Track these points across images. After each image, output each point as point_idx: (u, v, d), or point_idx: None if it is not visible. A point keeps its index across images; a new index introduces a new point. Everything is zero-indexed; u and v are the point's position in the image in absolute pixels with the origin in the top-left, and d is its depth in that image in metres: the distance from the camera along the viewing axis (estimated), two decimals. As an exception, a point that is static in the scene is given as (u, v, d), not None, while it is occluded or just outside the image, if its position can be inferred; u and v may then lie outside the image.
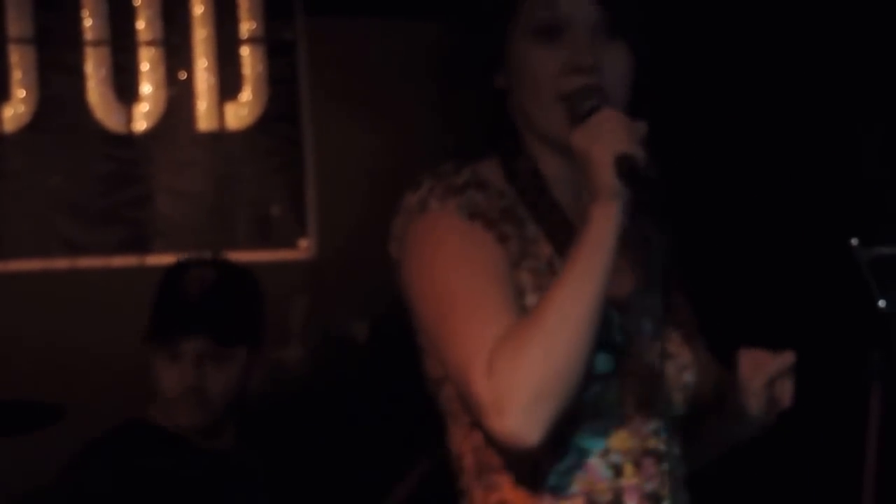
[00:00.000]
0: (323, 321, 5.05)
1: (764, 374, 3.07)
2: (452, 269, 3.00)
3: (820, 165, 5.60)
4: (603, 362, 2.92)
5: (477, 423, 2.95)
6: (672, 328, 3.03)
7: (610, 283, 2.87)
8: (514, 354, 2.85)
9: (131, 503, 4.45)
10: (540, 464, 2.95)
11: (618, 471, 2.99)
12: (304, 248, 5.50)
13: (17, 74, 5.38)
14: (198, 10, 5.56)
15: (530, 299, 2.94)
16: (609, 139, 2.81)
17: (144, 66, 5.55)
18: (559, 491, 2.94)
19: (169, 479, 4.47)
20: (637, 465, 2.99)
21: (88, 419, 4.50)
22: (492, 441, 2.94)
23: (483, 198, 2.99)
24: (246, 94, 5.58)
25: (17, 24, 5.35)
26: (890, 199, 5.40)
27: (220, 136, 5.54)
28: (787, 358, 3.03)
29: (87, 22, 5.43)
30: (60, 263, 5.44)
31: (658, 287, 3.04)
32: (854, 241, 3.65)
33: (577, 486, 2.95)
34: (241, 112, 5.56)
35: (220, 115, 5.55)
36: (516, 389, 2.85)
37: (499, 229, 2.95)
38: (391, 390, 3.91)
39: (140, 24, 5.52)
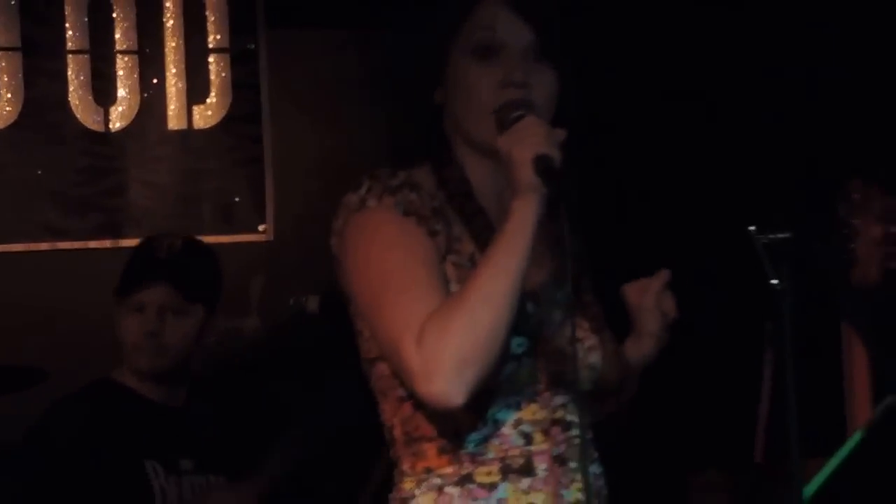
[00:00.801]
0: (279, 294, 5.14)
1: (650, 292, 3.19)
2: (387, 254, 3.06)
3: (723, 165, 5.68)
4: (517, 345, 2.98)
5: (407, 394, 3.05)
6: (581, 318, 3.10)
7: (526, 277, 2.93)
8: (441, 327, 2.89)
9: (96, 454, 4.53)
10: (460, 433, 3.02)
11: (528, 439, 3.05)
12: (263, 231, 5.61)
13: (4, 78, 5.46)
14: (169, 22, 5.63)
15: (453, 289, 3.01)
16: (530, 142, 2.88)
17: (120, 72, 5.62)
18: (477, 457, 3.02)
19: (129, 432, 4.58)
20: (546, 433, 3.05)
21: (67, 380, 4.68)
22: (421, 406, 3.01)
23: (416, 198, 3.04)
24: (212, 98, 5.64)
25: (6, 35, 5.43)
26: (781, 191, 5.38)
27: (188, 135, 5.61)
28: (663, 275, 3.18)
29: (69, 32, 5.51)
30: (43, 246, 5.54)
31: (569, 281, 3.01)
32: (752, 229, 3.41)
33: (493, 452, 3.02)
34: (207, 113, 5.62)
35: (189, 115, 5.61)
36: (443, 358, 2.90)
37: (429, 226, 3.02)
38: (339, 353, 3.52)
39: (117, 35, 5.59)
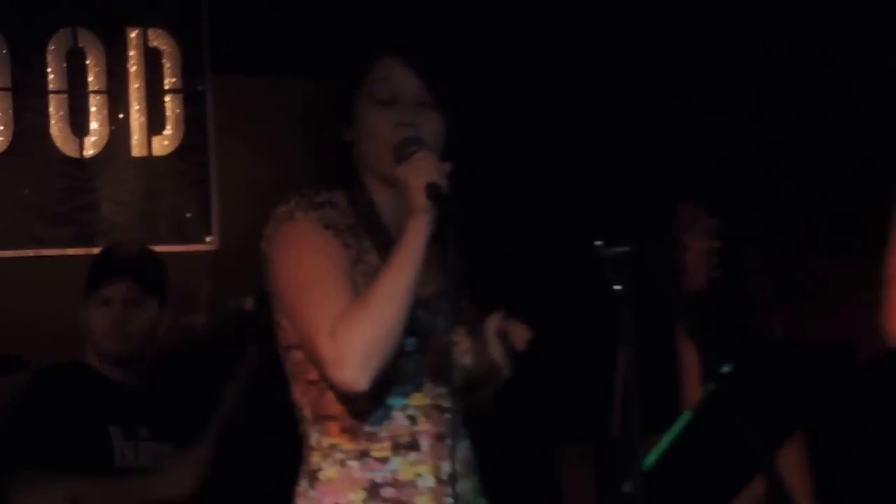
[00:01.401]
0: (222, 295, 5.27)
1: (491, 331, 3.38)
2: (309, 258, 3.24)
3: (578, 189, 5.92)
4: (409, 344, 3.19)
5: (317, 378, 3.29)
6: (460, 324, 3.29)
7: (419, 288, 3.14)
8: (350, 322, 3.08)
9: (68, 415, 4.78)
10: (359, 415, 3.23)
11: (414, 420, 3.26)
12: (210, 243, 5.83)
13: (-1, 114, 5.54)
14: (132, 68, 5.83)
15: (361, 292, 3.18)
16: (421, 172, 3.12)
17: (93, 109, 5.83)
18: (372, 435, 3.25)
19: (94, 402, 4.82)
20: (427, 416, 3.25)
21: (43, 364, 4.89)
22: (329, 389, 3.23)
23: (335, 214, 3.23)
24: (168, 130, 5.89)
25: (-1, 77, 5.52)
26: (625, 212, 5.59)
27: (148, 161, 5.85)
28: (493, 320, 3.35)
29: (51, 76, 5.73)
30: (29, 253, 5.75)
31: (453, 293, 3.27)
32: (598, 243, 3.67)
33: (385, 432, 3.25)
34: (164, 143, 5.85)
35: (149, 145, 5.84)
36: (352, 349, 3.10)
37: (343, 238, 3.21)
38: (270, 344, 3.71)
39: (90, 78, 5.81)
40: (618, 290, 3.39)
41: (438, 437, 3.30)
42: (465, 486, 3.39)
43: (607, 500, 5.05)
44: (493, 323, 3.37)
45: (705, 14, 6.36)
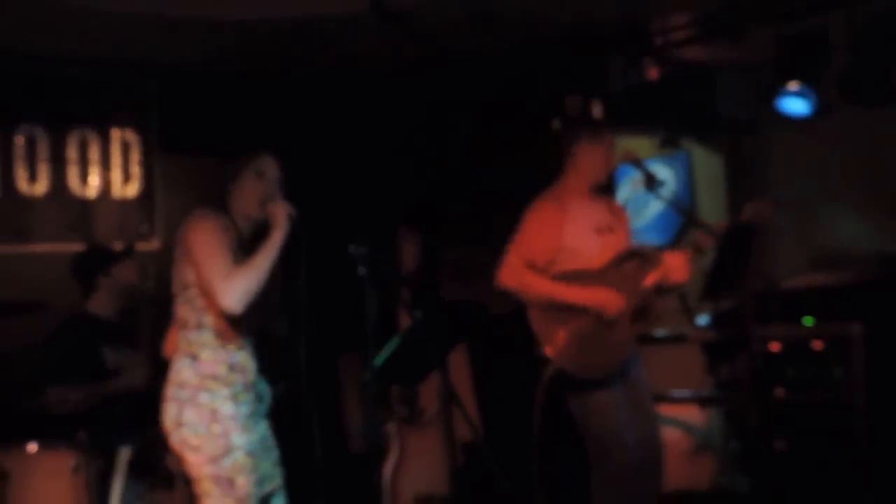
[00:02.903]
0: (165, 277, 4.53)
1: None
2: (215, 240, 3.89)
3: (343, 206, 6.53)
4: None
5: (206, 305, 3.88)
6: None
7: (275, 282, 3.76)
8: (237, 277, 3.83)
9: (83, 338, 5.44)
10: (226, 326, 3.95)
11: (250, 358, 4.07)
12: (154, 243, 6.74)
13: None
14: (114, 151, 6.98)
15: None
16: (284, 209, 3.95)
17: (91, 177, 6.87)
18: (233, 338, 4.01)
19: (97, 332, 5.48)
20: (251, 333, 4.03)
21: (58, 310, 5.65)
22: (222, 314, 3.88)
23: (228, 224, 3.99)
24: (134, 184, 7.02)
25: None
26: (368, 226, 5.67)
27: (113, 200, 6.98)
28: None
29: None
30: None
31: (303, 284, 3.95)
32: (352, 246, 4.20)
33: (238, 336, 4.03)
34: (129, 188, 7.02)
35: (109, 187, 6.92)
36: (236, 292, 3.84)
37: (231, 238, 3.92)
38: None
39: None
40: (362, 273, 4.18)
41: (251, 345, 4.10)
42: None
43: (361, 384, 5.92)
44: None
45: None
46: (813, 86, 6.81)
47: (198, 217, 4.01)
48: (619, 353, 5.51)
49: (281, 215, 4.00)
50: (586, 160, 5.55)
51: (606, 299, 5.39)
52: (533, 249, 5.48)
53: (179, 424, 3.99)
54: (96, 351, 5.52)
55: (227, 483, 3.99)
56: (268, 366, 4.40)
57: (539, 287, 5.44)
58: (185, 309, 4.05)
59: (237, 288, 3.90)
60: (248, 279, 3.92)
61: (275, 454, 4.25)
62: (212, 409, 3.98)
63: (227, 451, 4.00)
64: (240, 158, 4.15)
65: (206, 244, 3.95)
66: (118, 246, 5.94)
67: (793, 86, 6.81)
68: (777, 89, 6.87)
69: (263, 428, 4.23)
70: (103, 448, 5.25)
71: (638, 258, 5.56)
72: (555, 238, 5.49)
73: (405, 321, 5.96)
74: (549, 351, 5.42)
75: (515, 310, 5.59)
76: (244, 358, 4.15)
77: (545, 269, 5.48)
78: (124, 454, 5.25)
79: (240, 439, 4.03)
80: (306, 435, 4.01)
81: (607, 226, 5.65)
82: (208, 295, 3.97)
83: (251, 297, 3.94)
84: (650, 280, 5.48)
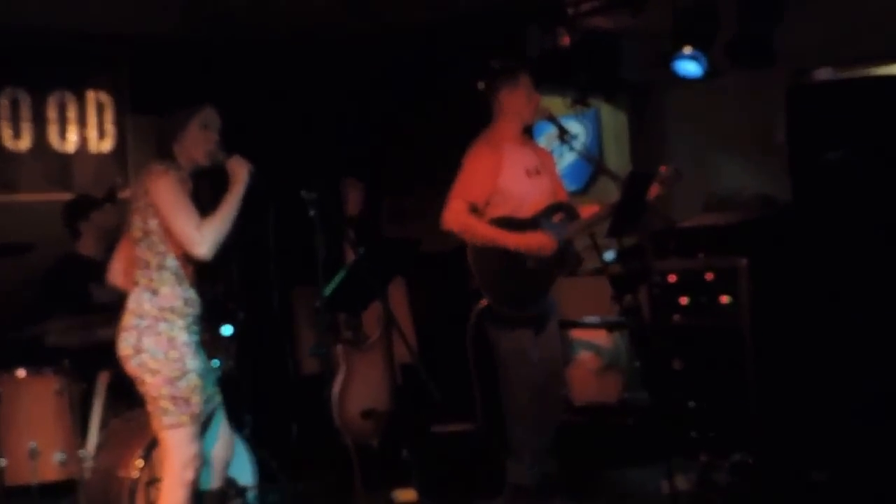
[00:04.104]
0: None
1: None
2: (178, 194, 3.95)
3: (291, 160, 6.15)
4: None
5: (166, 250, 3.97)
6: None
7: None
8: (207, 228, 3.92)
9: (71, 276, 5.55)
10: (182, 285, 4.10)
11: (197, 295, 4.21)
12: (128, 192, 5.84)
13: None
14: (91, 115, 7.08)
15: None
16: (245, 165, 4.07)
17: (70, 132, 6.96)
18: (189, 300, 4.13)
19: (86, 270, 5.52)
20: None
21: (43, 251, 5.60)
22: (183, 256, 3.98)
23: (184, 176, 4.07)
24: (107, 136, 7.02)
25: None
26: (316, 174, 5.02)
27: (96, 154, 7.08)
28: None
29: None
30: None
31: (269, 239, 4.09)
32: (303, 192, 4.22)
33: (193, 299, 4.21)
34: (104, 143, 7.06)
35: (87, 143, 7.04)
36: (209, 240, 3.93)
37: (188, 189, 4.01)
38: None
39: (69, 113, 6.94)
40: (312, 215, 4.22)
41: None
42: None
43: (313, 310, 6.31)
44: None
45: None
46: (704, 51, 6.89)
47: (157, 172, 4.04)
48: (541, 289, 5.46)
49: (241, 170, 4.06)
50: (511, 104, 5.50)
51: (543, 243, 5.37)
52: (474, 191, 5.43)
53: (139, 351, 4.08)
54: (84, 287, 5.59)
55: (184, 402, 4.11)
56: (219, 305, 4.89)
57: (482, 231, 5.40)
58: (147, 252, 4.10)
59: (209, 237, 3.97)
60: (218, 229, 3.99)
61: (214, 376, 4.35)
62: (169, 337, 4.08)
63: (183, 373, 4.11)
64: (184, 112, 4.16)
65: (171, 198, 3.98)
66: (100, 194, 6.04)
67: (687, 51, 6.87)
68: (673, 54, 6.92)
69: (203, 354, 4.37)
70: (85, 373, 5.30)
71: (563, 210, 5.55)
72: (492, 179, 5.43)
73: (350, 256, 5.82)
74: (479, 285, 5.39)
75: (447, 248, 5.62)
76: (194, 294, 4.23)
77: (483, 210, 5.44)
78: (103, 378, 5.32)
79: (192, 363, 4.15)
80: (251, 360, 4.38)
81: (535, 168, 5.59)
82: (173, 241, 4.02)
83: (218, 245, 4.01)
84: (572, 229, 5.52)
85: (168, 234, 4.04)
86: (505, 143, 5.59)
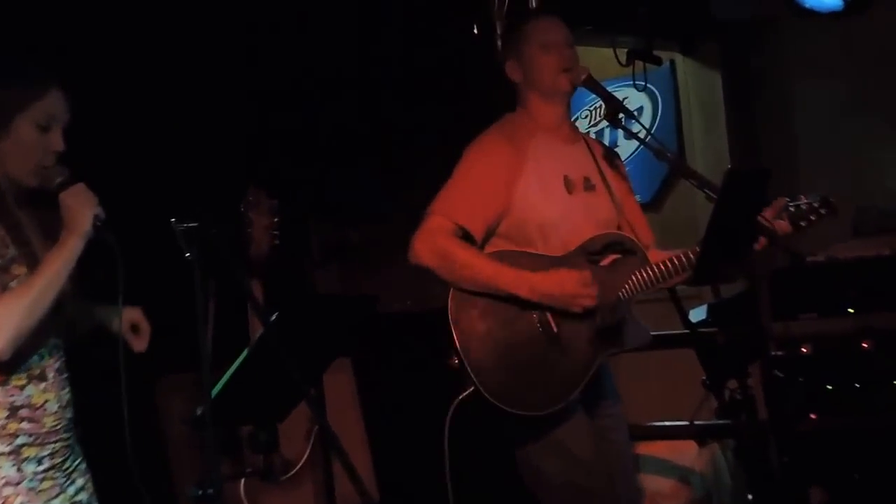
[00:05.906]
0: None
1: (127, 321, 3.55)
2: None
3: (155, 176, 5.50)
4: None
5: None
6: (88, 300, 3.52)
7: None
8: (6, 315, 3.14)
9: None
10: (2, 363, 3.26)
11: (42, 357, 3.29)
12: None
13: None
14: None
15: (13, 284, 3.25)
16: (89, 203, 3.22)
17: None
18: (13, 368, 3.27)
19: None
20: (51, 354, 3.31)
21: None
22: None
23: None
24: None
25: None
26: (198, 194, 5.33)
27: None
28: (136, 314, 3.52)
29: None
30: None
31: (120, 294, 3.29)
32: (173, 220, 3.45)
33: (23, 366, 3.30)
34: None
35: None
36: (4, 334, 3.17)
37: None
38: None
39: None
40: (189, 258, 3.42)
41: (59, 371, 3.47)
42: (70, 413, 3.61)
43: (190, 422, 4.67)
44: (129, 315, 3.61)
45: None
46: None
47: None
48: (570, 385, 4.35)
49: (79, 214, 3.28)
50: (529, 69, 4.58)
51: (570, 286, 4.31)
52: (465, 208, 4.48)
53: None
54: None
55: None
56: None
57: (471, 263, 4.40)
58: None
59: (5, 323, 3.22)
60: (22, 310, 3.24)
61: None
62: None
63: None
64: (8, 94, 3.30)
65: None
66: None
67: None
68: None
69: (77, 489, 3.60)
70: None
71: (620, 248, 4.56)
72: (501, 193, 4.46)
73: (256, 327, 4.77)
74: (469, 363, 4.32)
75: (419, 308, 5.53)
76: (38, 394, 3.46)
77: (481, 243, 4.52)
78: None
79: None
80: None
81: (582, 178, 4.66)
82: None
83: (27, 336, 3.25)
84: (633, 285, 4.49)
85: None
86: (531, 138, 4.64)
